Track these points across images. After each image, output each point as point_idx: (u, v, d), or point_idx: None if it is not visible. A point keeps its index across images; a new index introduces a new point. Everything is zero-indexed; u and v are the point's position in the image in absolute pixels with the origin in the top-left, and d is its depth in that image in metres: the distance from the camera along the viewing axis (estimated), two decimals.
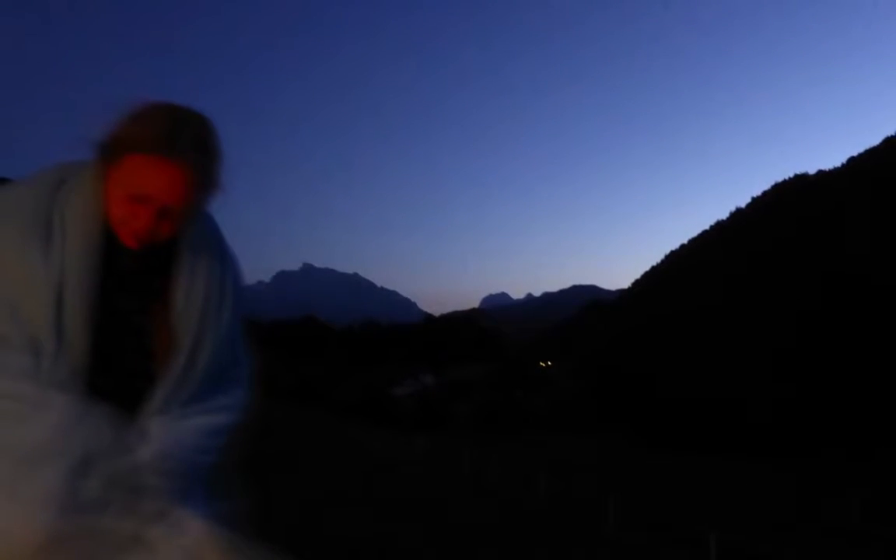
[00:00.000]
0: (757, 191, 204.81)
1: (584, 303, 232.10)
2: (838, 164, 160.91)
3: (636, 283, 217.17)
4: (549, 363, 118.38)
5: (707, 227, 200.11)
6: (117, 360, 1.00)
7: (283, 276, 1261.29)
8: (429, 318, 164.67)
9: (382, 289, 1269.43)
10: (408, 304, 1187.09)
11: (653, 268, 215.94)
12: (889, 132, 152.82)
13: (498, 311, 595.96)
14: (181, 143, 0.92)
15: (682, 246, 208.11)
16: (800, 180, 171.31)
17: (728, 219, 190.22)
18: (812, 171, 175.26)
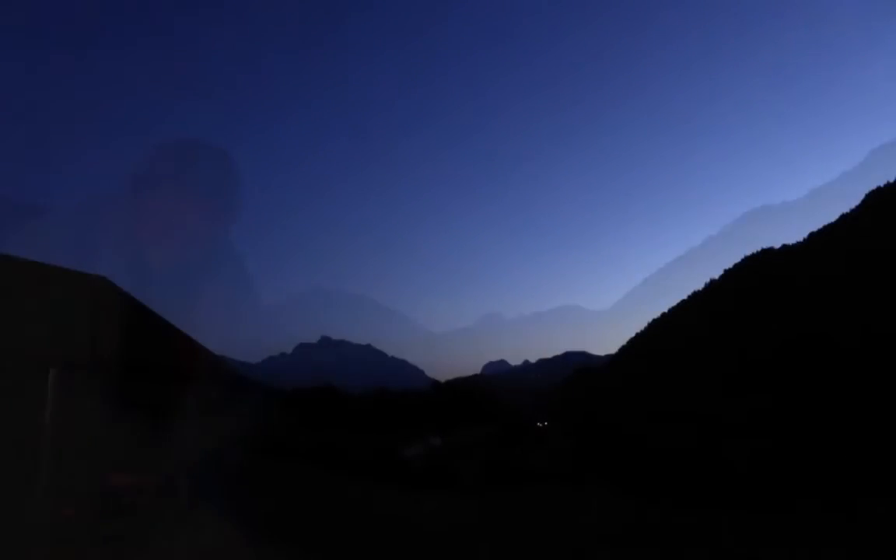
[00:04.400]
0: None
1: (576, 368, 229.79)
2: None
3: (622, 350, 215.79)
4: (546, 423, 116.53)
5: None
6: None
7: (302, 348, 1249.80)
8: (435, 385, 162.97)
9: (393, 358, 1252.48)
10: (416, 372, 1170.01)
11: (637, 334, 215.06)
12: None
13: (498, 377, 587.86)
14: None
15: (663, 315, 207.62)
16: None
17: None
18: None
